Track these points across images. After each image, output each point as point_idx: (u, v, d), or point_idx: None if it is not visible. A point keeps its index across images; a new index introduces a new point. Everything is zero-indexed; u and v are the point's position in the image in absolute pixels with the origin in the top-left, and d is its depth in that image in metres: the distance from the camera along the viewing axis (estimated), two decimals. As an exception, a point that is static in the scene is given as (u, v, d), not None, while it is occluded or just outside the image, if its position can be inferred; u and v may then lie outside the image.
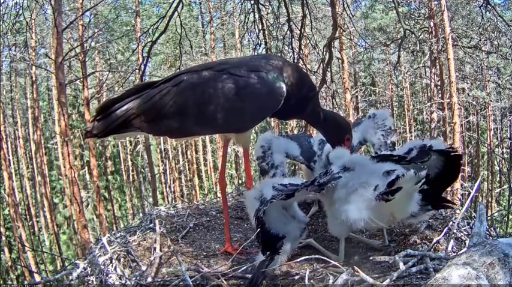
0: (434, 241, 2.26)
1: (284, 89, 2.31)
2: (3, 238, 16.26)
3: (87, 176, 19.05)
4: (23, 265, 15.88)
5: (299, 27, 5.70)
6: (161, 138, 13.75)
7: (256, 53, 5.86)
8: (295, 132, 15.52)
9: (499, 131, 20.89)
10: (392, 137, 2.82)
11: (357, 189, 2.10)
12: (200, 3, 20.25)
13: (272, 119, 3.01)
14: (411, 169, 1.91)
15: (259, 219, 2.01)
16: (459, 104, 14.65)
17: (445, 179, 2.24)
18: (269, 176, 2.84)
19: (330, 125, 2.57)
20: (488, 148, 19.15)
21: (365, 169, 2.18)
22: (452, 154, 2.15)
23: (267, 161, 2.82)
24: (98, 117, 2.34)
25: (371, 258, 2.00)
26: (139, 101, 2.29)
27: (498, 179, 20.47)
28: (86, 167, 18.89)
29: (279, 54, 6.26)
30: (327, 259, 2.06)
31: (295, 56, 5.74)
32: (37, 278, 13.51)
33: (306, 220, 2.30)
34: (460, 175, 2.31)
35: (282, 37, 6.08)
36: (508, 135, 21.03)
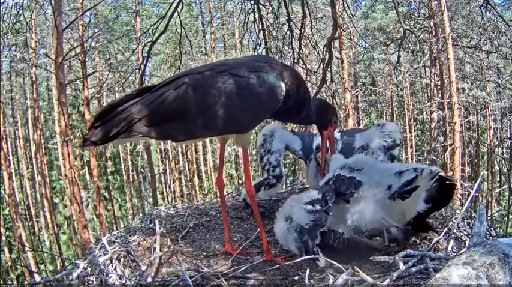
0: (434, 241, 2.26)
1: (284, 88, 2.33)
2: (3, 238, 16.26)
3: (87, 176, 19.03)
4: (23, 265, 15.87)
5: (299, 27, 5.68)
6: (161, 138, 13.76)
7: (256, 53, 5.86)
8: (296, 130, 15.52)
9: (499, 131, 20.88)
10: (395, 151, 2.89)
11: (370, 189, 2.11)
12: (200, 3, 20.24)
13: (272, 120, 3.05)
14: (426, 167, 1.96)
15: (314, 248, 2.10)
16: (459, 104, 14.63)
17: (436, 204, 2.29)
18: (264, 160, 2.91)
19: (318, 111, 2.65)
20: (488, 148, 19.15)
21: (374, 169, 2.19)
22: (448, 182, 2.21)
23: (264, 147, 2.88)
24: (97, 124, 2.25)
25: (371, 258, 2.01)
26: (140, 105, 2.24)
27: (498, 179, 20.46)
28: (86, 167, 18.87)
29: (278, 54, 6.26)
30: (327, 259, 2.06)
31: (295, 56, 5.74)
32: (37, 278, 13.51)
33: None
34: (452, 197, 2.40)
35: (282, 37, 6.06)
36: (508, 135, 21.03)
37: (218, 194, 2.77)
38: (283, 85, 2.33)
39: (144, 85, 5.62)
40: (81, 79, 14.16)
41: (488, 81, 17.78)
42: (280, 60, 3.64)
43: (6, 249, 16.64)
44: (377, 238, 2.58)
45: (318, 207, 2.16)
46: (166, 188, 21.36)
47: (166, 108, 2.23)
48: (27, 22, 6.80)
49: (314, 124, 2.74)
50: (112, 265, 2.35)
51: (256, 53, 5.81)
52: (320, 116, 2.66)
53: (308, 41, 7.18)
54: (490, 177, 19.34)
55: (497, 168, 19.95)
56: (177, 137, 2.34)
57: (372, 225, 2.11)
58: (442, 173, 2.19)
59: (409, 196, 1.97)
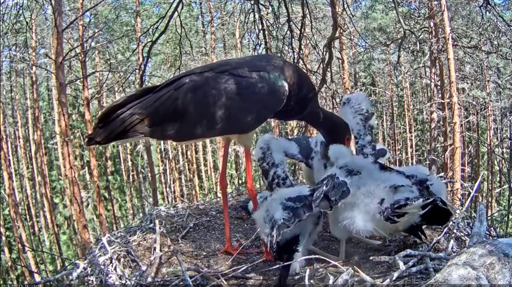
0: (434, 241, 2.26)
1: (286, 87, 2.31)
2: (3, 238, 16.26)
3: (87, 176, 19.04)
4: (23, 265, 15.88)
5: (299, 27, 5.68)
6: (161, 138, 13.82)
7: (256, 53, 5.85)
8: (295, 132, 15.54)
9: (499, 131, 20.90)
10: (371, 121, 2.81)
11: (363, 197, 2.09)
12: (200, 3, 20.24)
13: (272, 119, 3.03)
14: (420, 198, 1.94)
15: (275, 246, 2.00)
16: (459, 104, 14.64)
17: (430, 221, 2.19)
18: (270, 175, 2.89)
19: (329, 125, 2.61)
20: (488, 148, 19.15)
21: (371, 176, 2.16)
22: (439, 205, 2.02)
23: (267, 161, 2.87)
24: (101, 125, 2.31)
25: (371, 258, 2.00)
26: (142, 106, 2.27)
27: (498, 179, 20.47)
28: (86, 167, 18.88)
29: (278, 54, 6.25)
30: (327, 259, 2.06)
31: (295, 56, 5.73)
32: (37, 278, 13.53)
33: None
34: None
35: (282, 37, 6.06)
36: (508, 135, 21.03)
37: (219, 194, 2.77)
38: (285, 85, 2.31)
39: (144, 85, 5.62)
40: (81, 79, 14.18)
41: (488, 81, 17.79)
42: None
43: (6, 249, 16.65)
44: (377, 237, 2.59)
45: (299, 206, 2.08)
46: (166, 188, 21.37)
47: (168, 108, 2.24)
48: (27, 22, 6.79)
49: (319, 127, 2.66)
50: (112, 265, 2.35)
51: (257, 53, 5.81)
52: (331, 133, 2.61)
53: (308, 41, 7.18)
54: (490, 177, 19.34)
55: (497, 168, 19.96)
56: (179, 137, 2.36)
57: (363, 233, 2.10)
58: (439, 202, 1.99)
59: (398, 220, 1.98)
